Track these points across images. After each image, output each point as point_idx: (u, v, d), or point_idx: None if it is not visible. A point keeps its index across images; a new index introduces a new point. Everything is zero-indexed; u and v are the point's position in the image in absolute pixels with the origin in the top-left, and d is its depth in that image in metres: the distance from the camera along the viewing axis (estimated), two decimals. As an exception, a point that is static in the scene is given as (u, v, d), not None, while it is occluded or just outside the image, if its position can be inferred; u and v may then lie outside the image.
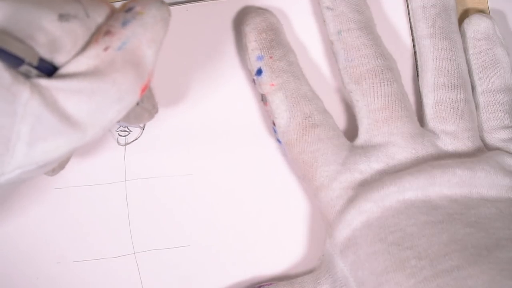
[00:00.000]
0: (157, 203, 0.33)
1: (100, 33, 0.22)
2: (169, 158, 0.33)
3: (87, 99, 0.21)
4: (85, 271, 0.32)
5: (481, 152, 0.31)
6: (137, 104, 0.27)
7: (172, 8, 0.34)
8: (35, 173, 0.22)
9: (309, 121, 0.30)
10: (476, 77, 0.32)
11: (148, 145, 0.33)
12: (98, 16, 0.23)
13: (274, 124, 0.31)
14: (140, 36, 0.22)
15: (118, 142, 0.33)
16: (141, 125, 0.33)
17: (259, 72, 0.31)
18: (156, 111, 0.29)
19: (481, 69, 0.32)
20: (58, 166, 0.29)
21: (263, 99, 0.32)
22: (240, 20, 0.33)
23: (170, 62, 0.34)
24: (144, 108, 0.28)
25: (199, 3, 0.34)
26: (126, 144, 0.33)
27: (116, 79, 0.21)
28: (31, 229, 0.33)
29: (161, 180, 0.33)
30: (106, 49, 0.22)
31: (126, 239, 0.33)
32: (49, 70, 0.21)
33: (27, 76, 0.20)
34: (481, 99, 0.32)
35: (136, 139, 0.33)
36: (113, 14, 0.23)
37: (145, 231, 0.33)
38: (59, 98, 0.20)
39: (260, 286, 0.31)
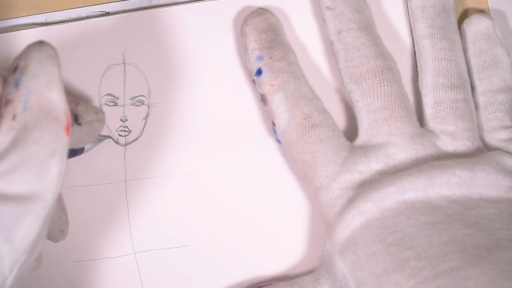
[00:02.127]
0: (157, 203, 0.33)
1: (1, 106, 0.22)
2: (169, 158, 0.33)
3: (24, 170, 0.21)
4: (85, 271, 0.32)
5: (480, 152, 0.31)
6: (80, 124, 0.27)
7: (172, 8, 0.34)
8: (32, 258, 0.23)
9: (309, 121, 0.30)
10: (476, 77, 0.32)
11: (148, 145, 0.33)
12: None
13: (274, 124, 0.31)
14: (35, 87, 0.22)
15: (118, 142, 0.33)
16: (103, 135, 0.33)
17: (259, 72, 0.31)
18: (103, 114, 0.29)
19: (481, 69, 0.32)
20: (64, 226, 0.30)
21: (263, 99, 0.32)
22: (240, 20, 0.33)
23: (170, 62, 0.34)
24: (89, 122, 0.28)
25: (199, 3, 0.34)
26: (126, 144, 0.33)
27: (36, 138, 0.22)
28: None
29: (161, 180, 0.33)
30: (14, 117, 0.22)
31: (126, 239, 0.33)
32: None
33: None
34: (481, 99, 0.32)
35: (136, 139, 0.33)
36: (5, 79, 0.23)
37: (145, 231, 0.33)
38: (1, 186, 0.21)
39: (260, 286, 0.31)
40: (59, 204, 0.30)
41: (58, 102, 0.23)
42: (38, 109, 0.22)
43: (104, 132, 0.33)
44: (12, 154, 0.21)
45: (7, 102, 0.22)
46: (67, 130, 0.23)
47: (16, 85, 0.22)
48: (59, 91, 0.23)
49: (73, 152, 0.29)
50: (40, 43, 0.23)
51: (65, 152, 0.22)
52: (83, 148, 0.30)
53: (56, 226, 0.29)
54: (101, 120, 0.29)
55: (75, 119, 0.27)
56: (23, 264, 0.22)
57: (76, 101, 0.28)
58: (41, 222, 0.22)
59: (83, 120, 0.27)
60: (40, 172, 0.21)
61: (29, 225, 0.21)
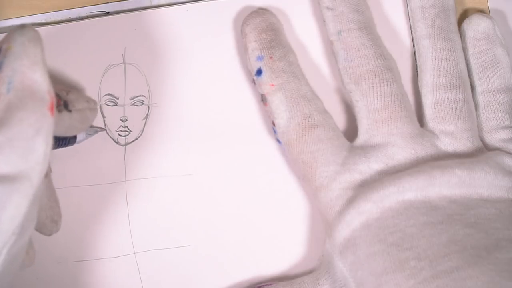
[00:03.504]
0: (157, 203, 0.33)
1: None
2: (169, 158, 0.33)
3: (9, 150, 0.21)
4: (85, 271, 0.32)
5: (480, 152, 0.31)
6: (70, 111, 0.27)
7: (172, 8, 0.34)
8: (21, 242, 0.23)
9: (308, 121, 0.30)
10: (476, 77, 0.32)
11: (148, 145, 0.33)
12: None
13: (273, 124, 0.31)
14: (18, 68, 0.22)
15: (118, 142, 0.33)
16: (97, 126, 0.33)
17: (259, 72, 0.31)
18: (95, 103, 0.29)
19: (481, 69, 0.32)
20: (57, 217, 0.30)
21: (263, 99, 0.32)
22: (240, 20, 0.33)
23: (170, 62, 0.34)
24: (80, 109, 0.28)
25: (199, 3, 0.34)
26: (126, 144, 0.33)
27: (21, 117, 0.22)
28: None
29: (161, 180, 0.33)
30: None
31: (126, 239, 0.33)
32: None
33: None
34: (481, 99, 0.32)
35: (136, 139, 0.33)
36: None
37: (145, 231, 0.33)
38: None
39: (260, 286, 0.31)
40: (51, 194, 0.30)
41: (41, 82, 0.23)
42: (22, 90, 0.22)
43: (104, 132, 0.33)
44: None
45: None
46: (51, 109, 0.23)
47: (0, 67, 0.23)
48: (42, 72, 0.23)
49: (65, 141, 0.29)
50: (22, 26, 0.24)
51: (50, 132, 0.22)
52: (75, 138, 0.30)
53: (49, 216, 0.29)
54: (93, 109, 0.29)
55: (65, 105, 0.27)
56: (12, 246, 0.22)
57: (67, 89, 0.28)
58: (28, 202, 0.22)
59: (74, 107, 0.27)
60: (26, 151, 0.21)
61: (16, 205, 0.21)
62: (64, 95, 0.27)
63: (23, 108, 0.22)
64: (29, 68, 0.22)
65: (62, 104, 0.27)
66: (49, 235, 0.30)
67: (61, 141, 0.28)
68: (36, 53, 0.23)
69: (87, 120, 0.28)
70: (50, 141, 0.22)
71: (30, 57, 0.23)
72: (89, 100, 0.29)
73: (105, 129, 0.33)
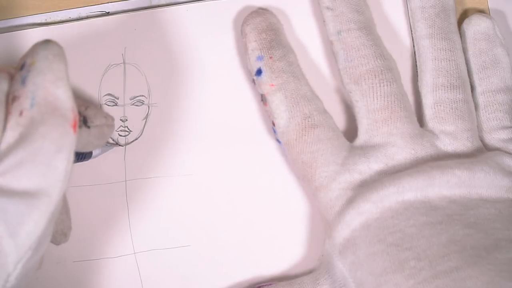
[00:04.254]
0: (157, 203, 0.33)
1: (9, 103, 0.22)
2: (169, 158, 0.33)
3: (31, 165, 0.21)
4: (85, 271, 0.32)
5: (480, 152, 0.31)
6: (89, 127, 0.27)
7: (172, 8, 0.34)
8: (36, 257, 0.23)
9: (308, 121, 0.30)
10: (476, 77, 0.32)
11: (148, 145, 0.33)
12: (1, 85, 0.23)
13: (273, 124, 0.31)
14: (42, 84, 0.22)
15: (118, 142, 0.33)
16: (112, 141, 0.33)
17: (259, 72, 0.31)
18: (112, 119, 0.29)
19: (481, 69, 0.32)
20: (67, 229, 0.30)
21: (262, 99, 0.32)
22: (240, 20, 0.33)
23: (170, 62, 0.34)
24: (98, 126, 0.28)
25: (199, 3, 0.34)
26: (126, 144, 0.33)
27: (43, 133, 0.22)
28: (31, 229, 0.33)
29: (161, 180, 0.33)
30: (21, 113, 0.22)
31: (126, 239, 0.33)
32: None
33: None
34: (481, 99, 0.32)
35: (136, 139, 0.33)
36: (12, 76, 0.23)
37: (145, 231, 0.33)
38: (8, 180, 0.21)
39: (260, 286, 0.31)
40: (64, 208, 0.30)
41: (64, 98, 0.23)
42: (45, 105, 0.22)
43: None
44: (19, 149, 0.21)
45: (14, 99, 0.22)
46: (74, 127, 0.22)
47: (23, 82, 0.22)
48: (65, 88, 0.23)
49: (81, 156, 0.29)
50: (47, 41, 0.23)
51: (72, 149, 0.22)
52: (91, 153, 0.30)
53: (59, 229, 0.29)
54: (110, 126, 0.29)
55: (85, 121, 0.27)
56: (27, 261, 0.22)
57: (86, 104, 0.28)
58: (47, 219, 0.22)
59: (93, 124, 0.27)
60: (47, 168, 0.21)
61: (35, 221, 0.21)
62: (83, 110, 0.27)
63: (46, 124, 0.22)
64: (52, 83, 0.22)
65: (81, 119, 0.27)
66: (57, 245, 0.30)
67: (77, 156, 0.28)
68: (60, 68, 0.23)
69: (104, 136, 0.28)
70: (72, 158, 0.22)
71: (54, 72, 0.23)
72: (107, 116, 0.29)
73: (122, 145, 0.33)
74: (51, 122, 0.22)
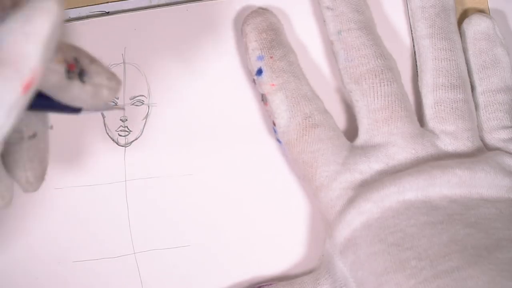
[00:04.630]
0: (157, 203, 0.33)
1: None
2: (169, 158, 0.33)
3: None
4: (85, 271, 0.32)
5: (481, 152, 0.31)
6: (83, 82, 0.25)
7: (172, 8, 0.34)
8: None
9: (309, 121, 0.30)
10: (476, 77, 0.32)
11: (148, 145, 0.33)
12: None
13: (274, 124, 0.31)
14: (16, 31, 0.21)
15: (118, 142, 0.33)
16: (114, 106, 0.32)
17: (260, 72, 0.31)
18: (117, 82, 0.27)
19: (481, 69, 0.32)
20: (36, 180, 0.28)
21: (263, 99, 0.32)
22: (240, 20, 0.33)
23: (170, 62, 0.34)
24: (96, 84, 0.26)
25: (199, 3, 0.34)
26: (126, 144, 0.33)
27: None
28: (31, 229, 0.33)
29: (161, 180, 0.33)
30: None
31: (126, 239, 0.33)
32: None
33: None
34: (481, 99, 0.32)
35: (136, 139, 0.33)
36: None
37: (145, 231, 0.33)
38: None
39: (260, 286, 0.31)
40: (41, 157, 0.28)
41: (32, 55, 0.21)
42: (7, 53, 0.21)
43: (103, 132, 0.33)
44: None
45: None
46: (26, 87, 0.21)
47: (1, 20, 0.21)
48: (38, 46, 0.21)
49: (69, 109, 0.27)
50: None
51: (15, 109, 0.21)
52: (80, 109, 0.27)
53: (103, 78, 0.26)
54: (112, 89, 0.26)
55: (80, 74, 0.25)
56: None
57: (93, 59, 0.26)
58: None
59: (90, 80, 0.25)
60: None
61: None
62: (86, 63, 0.25)
63: None
64: (26, 36, 0.21)
65: (76, 71, 0.25)
66: (25, 191, 0.28)
67: (62, 107, 0.27)
68: (44, 26, 0.21)
69: (99, 98, 0.26)
70: (13, 116, 0.21)
71: (35, 26, 0.21)
72: (111, 78, 0.26)
73: (123, 108, 0.32)
74: (4, 72, 0.20)
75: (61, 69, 0.24)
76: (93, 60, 0.26)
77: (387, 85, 0.30)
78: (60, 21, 0.22)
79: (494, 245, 0.26)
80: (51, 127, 0.29)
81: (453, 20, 0.32)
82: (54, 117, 0.34)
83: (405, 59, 0.34)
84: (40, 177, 0.29)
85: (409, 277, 0.26)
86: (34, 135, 0.27)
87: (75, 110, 0.27)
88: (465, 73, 0.32)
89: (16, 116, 0.21)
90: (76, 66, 0.25)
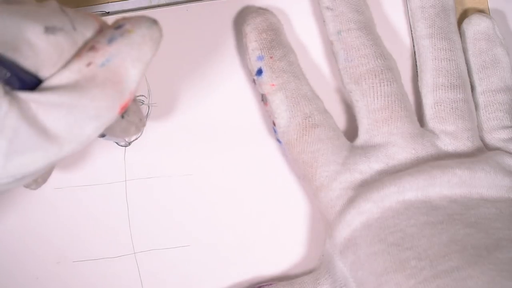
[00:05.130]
0: (157, 203, 0.33)
1: (85, 48, 0.22)
2: (169, 158, 0.33)
3: (65, 113, 0.21)
4: (85, 271, 0.32)
5: (481, 152, 0.31)
6: (123, 117, 0.27)
7: (172, 8, 0.34)
8: (12, 186, 0.22)
9: (309, 121, 0.30)
10: (476, 77, 0.32)
11: (148, 145, 0.33)
12: (86, 30, 0.22)
13: (274, 124, 0.31)
14: (125, 54, 0.22)
15: (118, 143, 0.33)
16: (127, 140, 0.33)
17: (260, 72, 0.31)
18: (143, 125, 0.29)
19: (481, 69, 0.32)
20: (41, 179, 0.29)
21: (263, 99, 0.32)
22: (240, 20, 0.33)
23: (170, 62, 0.34)
24: (130, 121, 0.28)
25: (199, 3, 0.34)
26: (126, 144, 0.33)
27: (95, 96, 0.21)
28: (31, 229, 0.33)
29: (161, 180, 0.33)
30: (88, 64, 0.22)
31: (126, 239, 0.33)
32: (33, 83, 0.21)
33: (10, 88, 0.20)
34: (481, 99, 0.32)
35: (136, 139, 0.33)
36: (102, 30, 0.23)
37: (145, 231, 0.33)
38: (38, 112, 0.20)
39: (260, 286, 0.31)
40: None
41: (133, 80, 0.22)
42: (113, 73, 0.22)
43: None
44: (66, 93, 0.21)
45: (92, 48, 0.22)
46: (122, 108, 0.22)
47: (110, 40, 0.22)
48: (140, 72, 0.22)
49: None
50: (155, 23, 0.23)
51: (105, 125, 0.22)
52: (104, 135, 0.30)
53: (137, 117, 0.29)
54: (139, 129, 0.29)
55: (124, 111, 0.27)
56: (3, 185, 0.21)
57: (134, 98, 0.28)
58: (44, 164, 0.21)
59: (128, 117, 0.27)
60: (75, 125, 0.21)
61: (33, 159, 0.21)
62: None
63: (103, 89, 0.21)
64: (132, 60, 0.22)
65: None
66: (25, 187, 0.29)
67: None
68: (147, 53, 0.22)
69: (127, 133, 0.28)
70: (100, 131, 0.22)
71: (140, 52, 0.22)
72: (142, 118, 0.29)
73: (128, 145, 0.33)
74: (108, 91, 0.22)
75: None
76: (133, 99, 0.27)
77: (387, 85, 0.30)
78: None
79: (494, 245, 0.26)
80: None
81: (453, 20, 0.32)
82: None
83: (405, 59, 0.34)
84: (46, 179, 0.30)
85: (409, 277, 0.26)
86: None
87: (101, 135, 0.28)
88: (465, 73, 0.32)
89: (99, 132, 0.22)
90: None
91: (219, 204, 0.33)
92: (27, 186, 0.29)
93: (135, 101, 0.28)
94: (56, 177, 0.33)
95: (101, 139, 0.29)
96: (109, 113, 0.22)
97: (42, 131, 0.20)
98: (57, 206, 0.33)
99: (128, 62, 0.22)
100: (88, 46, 0.22)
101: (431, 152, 0.30)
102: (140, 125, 0.28)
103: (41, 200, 0.33)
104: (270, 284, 0.31)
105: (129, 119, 0.27)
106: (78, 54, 0.22)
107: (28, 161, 0.21)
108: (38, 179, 0.29)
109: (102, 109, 0.22)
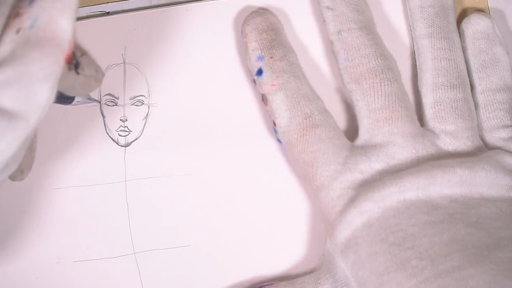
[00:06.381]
0: (157, 203, 0.33)
1: (11, 18, 0.22)
2: (169, 158, 0.33)
3: (16, 87, 0.21)
4: (85, 271, 0.32)
5: (481, 151, 0.31)
6: (78, 73, 0.26)
7: (172, 8, 0.34)
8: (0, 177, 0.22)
9: (309, 121, 0.30)
10: (475, 76, 0.32)
11: (148, 145, 0.33)
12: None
13: (274, 124, 0.31)
14: (49, 9, 0.22)
15: (118, 142, 0.33)
16: (94, 98, 0.32)
17: (260, 72, 0.31)
18: (102, 75, 0.29)
19: (480, 68, 0.32)
20: (25, 166, 0.29)
21: (263, 99, 0.32)
22: (240, 20, 0.33)
23: (170, 62, 0.34)
24: (88, 75, 0.27)
25: (199, 3, 0.34)
26: (126, 144, 0.33)
27: (35, 58, 0.21)
28: (31, 229, 0.33)
29: (161, 180, 0.33)
30: (18, 31, 0.21)
31: (126, 239, 0.33)
32: None
33: None
34: (481, 98, 0.32)
35: (136, 139, 0.33)
36: None
37: (145, 231, 0.33)
38: None
39: (261, 286, 0.31)
40: (31, 145, 0.29)
41: (66, 29, 0.22)
42: (44, 30, 0.21)
43: (103, 132, 0.33)
44: (8, 67, 0.21)
45: (17, 15, 0.22)
46: (66, 60, 0.22)
47: (31, 1, 0.22)
48: (70, 20, 0.22)
49: (64, 99, 0.29)
50: None
51: (57, 81, 0.22)
52: (73, 98, 0.29)
53: (92, 69, 0.28)
54: (98, 80, 0.28)
55: (76, 66, 0.26)
56: None
57: (83, 51, 0.27)
58: (20, 142, 0.21)
59: (83, 71, 0.27)
60: (31, 93, 0.21)
61: (8, 142, 0.20)
62: (78, 56, 0.27)
63: (40, 49, 0.21)
64: (59, 12, 0.22)
65: (74, 63, 0.26)
66: (12, 180, 0.29)
67: (60, 97, 0.28)
68: (72, 0, 0.22)
69: (88, 88, 0.28)
70: (55, 90, 0.22)
71: (63, 1, 0.22)
72: (98, 70, 0.28)
73: (99, 102, 0.33)
74: (46, 49, 0.21)
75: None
76: (83, 52, 0.27)
77: (388, 84, 0.30)
78: None
79: (495, 244, 0.26)
80: None
81: (452, 19, 0.32)
82: (55, 115, 0.34)
83: (405, 59, 0.34)
84: (30, 166, 0.29)
85: (410, 276, 0.26)
86: None
87: (70, 99, 0.28)
88: (464, 72, 0.32)
89: (55, 90, 0.22)
90: (74, 58, 0.26)
91: (219, 204, 0.33)
92: (14, 178, 0.29)
93: (86, 54, 0.27)
94: (56, 177, 0.33)
95: (73, 105, 0.29)
96: (56, 69, 0.21)
97: (3, 114, 0.20)
98: (57, 206, 0.33)
99: (55, 14, 0.22)
100: (13, 15, 0.22)
101: (431, 152, 0.30)
102: (98, 76, 0.28)
103: (41, 200, 0.33)
104: (271, 284, 0.31)
105: (85, 74, 0.27)
106: (6, 25, 0.22)
107: (3, 147, 0.21)
108: (22, 166, 0.29)
109: (47, 68, 0.21)
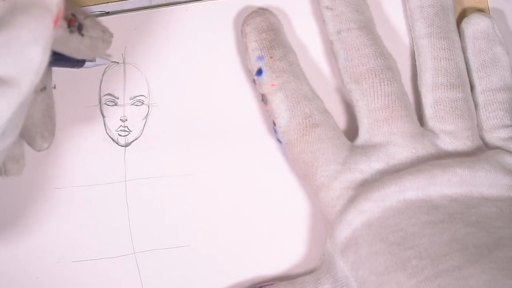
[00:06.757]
0: (157, 203, 0.33)
1: None
2: (169, 158, 0.33)
3: (6, 52, 0.20)
4: (85, 271, 0.32)
5: (481, 151, 0.31)
6: (83, 35, 0.26)
7: (172, 8, 0.34)
8: (1, 146, 0.22)
9: (309, 121, 0.30)
10: (475, 76, 0.32)
11: (148, 145, 0.33)
12: None
13: (274, 124, 0.31)
14: None
15: (118, 142, 0.33)
16: (110, 59, 0.32)
17: (260, 72, 0.31)
18: (110, 35, 0.28)
19: (480, 68, 0.32)
20: (48, 134, 0.29)
21: (263, 99, 0.32)
22: (240, 20, 0.33)
23: (170, 62, 0.34)
24: (94, 37, 0.27)
25: (199, 3, 0.34)
26: (126, 144, 0.33)
27: (23, 22, 0.21)
28: (31, 229, 0.33)
29: (161, 180, 0.33)
30: None
31: (126, 239, 0.33)
32: None
33: None
34: (481, 98, 0.32)
35: (136, 139, 0.33)
36: None
37: (145, 231, 0.33)
38: None
39: (261, 286, 0.31)
40: (47, 110, 0.29)
41: None
42: None
43: (103, 132, 0.33)
44: None
45: None
46: (55, 22, 0.22)
47: None
48: None
49: (73, 62, 0.28)
50: None
51: (49, 44, 0.22)
52: (84, 62, 0.29)
53: (39, 131, 0.28)
54: (106, 41, 0.28)
55: (79, 28, 0.26)
56: None
57: (87, 14, 0.27)
58: (14, 108, 0.21)
59: (87, 33, 0.27)
60: (22, 57, 0.21)
61: (1, 109, 0.20)
62: (81, 18, 0.27)
63: (27, 13, 0.21)
64: None
65: (76, 25, 0.26)
66: (38, 150, 0.29)
67: (68, 61, 0.28)
68: None
69: (96, 49, 0.27)
70: (48, 53, 0.22)
71: None
72: (105, 30, 0.28)
73: (118, 62, 0.33)
74: (33, 12, 0.21)
75: (63, 23, 0.24)
76: (87, 15, 0.27)
77: (387, 84, 0.30)
78: None
79: (495, 244, 0.26)
80: (54, 87, 0.31)
81: (452, 19, 0.32)
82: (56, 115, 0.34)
83: (405, 59, 0.34)
84: (52, 132, 0.29)
85: (410, 276, 0.26)
86: (44, 88, 0.27)
87: (80, 63, 0.28)
88: (464, 72, 0.32)
89: (48, 54, 0.22)
90: (75, 20, 0.26)
91: (219, 204, 0.33)
92: (40, 147, 0.29)
93: (90, 16, 0.27)
94: (56, 177, 0.33)
95: (86, 68, 0.29)
96: (45, 32, 0.21)
97: None
98: (57, 206, 0.33)
99: None
100: None
101: (431, 151, 0.30)
102: (106, 37, 0.28)
103: (41, 200, 0.33)
104: (271, 284, 0.31)
105: (90, 35, 0.27)
106: None
107: None
108: (44, 133, 0.28)
109: (36, 31, 0.21)
